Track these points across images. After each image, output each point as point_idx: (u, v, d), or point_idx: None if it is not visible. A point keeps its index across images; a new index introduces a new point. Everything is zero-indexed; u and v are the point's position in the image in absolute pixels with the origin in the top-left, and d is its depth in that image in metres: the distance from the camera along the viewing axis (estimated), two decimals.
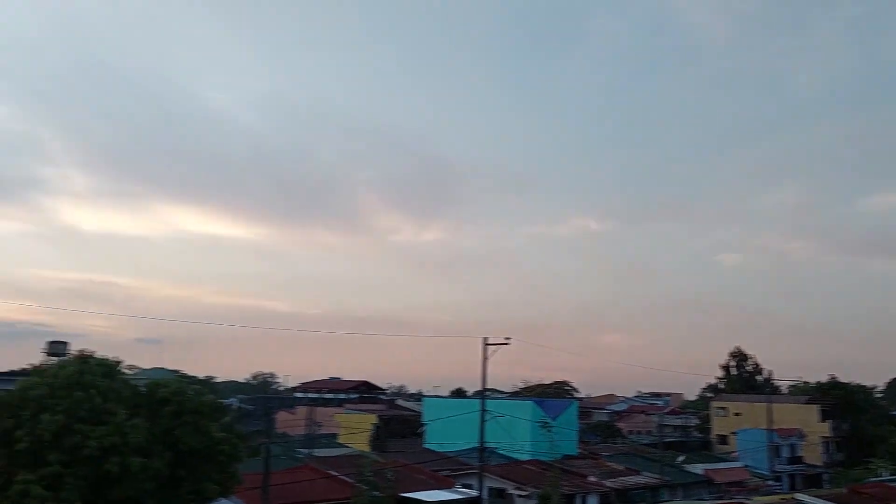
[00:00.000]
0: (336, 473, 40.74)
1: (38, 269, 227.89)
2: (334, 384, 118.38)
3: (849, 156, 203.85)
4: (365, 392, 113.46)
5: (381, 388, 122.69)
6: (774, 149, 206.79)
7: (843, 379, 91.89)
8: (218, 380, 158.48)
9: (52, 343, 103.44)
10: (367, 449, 61.70)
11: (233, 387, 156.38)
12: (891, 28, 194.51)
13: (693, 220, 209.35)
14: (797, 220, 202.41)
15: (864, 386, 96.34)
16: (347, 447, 61.80)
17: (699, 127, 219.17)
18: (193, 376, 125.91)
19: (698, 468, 62.08)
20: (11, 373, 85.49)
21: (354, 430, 66.65)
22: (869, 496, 42.87)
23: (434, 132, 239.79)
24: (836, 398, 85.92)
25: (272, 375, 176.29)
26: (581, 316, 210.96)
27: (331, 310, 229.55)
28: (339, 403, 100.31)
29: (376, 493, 34.77)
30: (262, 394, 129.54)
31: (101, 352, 25.13)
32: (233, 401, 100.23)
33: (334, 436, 69.24)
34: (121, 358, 25.79)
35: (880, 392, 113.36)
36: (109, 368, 24.46)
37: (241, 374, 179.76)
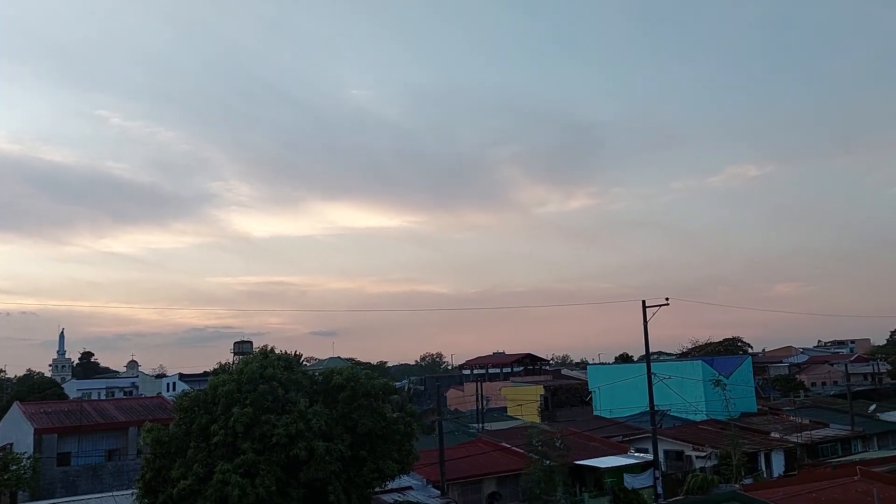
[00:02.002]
0: (508, 445, 41.63)
1: (218, 277, 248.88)
2: (499, 359, 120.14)
3: None
4: (529, 364, 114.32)
5: (544, 360, 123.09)
6: None
7: None
8: (389, 364, 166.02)
9: (238, 343, 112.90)
10: (536, 419, 62.49)
11: (403, 369, 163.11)
12: None
13: (865, 151, 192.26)
14: None
15: None
16: (517, 419, 62.83)
17: (868, 49, 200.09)
18: (367, 363, 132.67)
19: (894, 416, 57.79)
20: (205, 373, 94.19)
21: (522, 401, 67.54)
22: None
23: (573, 97, 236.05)
24: None
25: (439, 355, 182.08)
26: (748, 268, 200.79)
27: (488, 287, 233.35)
28: (505, 377, 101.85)
29: (549, 461, 35.18)
30: (431, 373, 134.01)
31: (281, 347, 27.25)
32: (404, 382, 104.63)
33: (503, 409, 70.49)
34: (299, 351, 27.86)
35: None
36: (289, 362, 26.43)
37: (411, 357, 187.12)
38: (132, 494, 25.13)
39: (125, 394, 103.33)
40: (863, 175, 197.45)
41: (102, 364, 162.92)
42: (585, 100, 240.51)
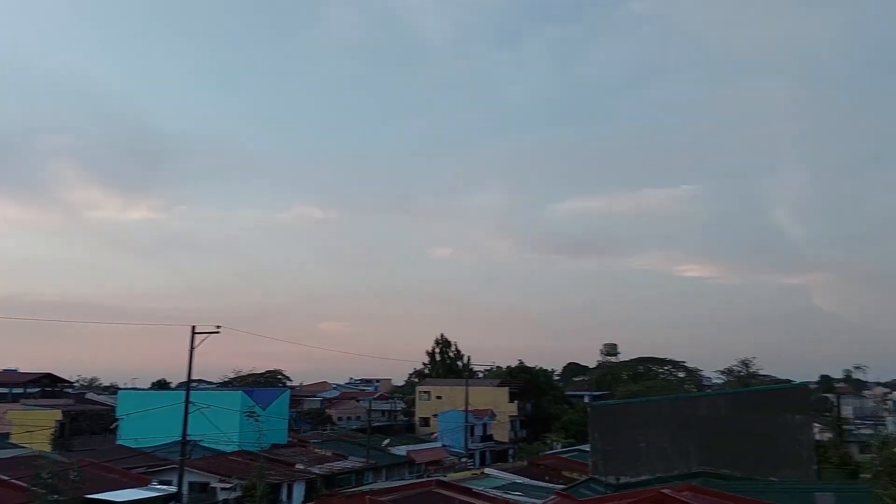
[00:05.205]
0: (7, 477, 35.93)
1: None
2: (9, 377, 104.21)
3: (544, 165, 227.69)
4: (48, 385, 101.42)
5: (67, 381, 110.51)
6: (486, 152, 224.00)
7: (529, 364, 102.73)
8: None
9: None
10: (48, 448, 55.37)
11: None
12: (586, 52, 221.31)
13: (411, 214, 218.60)
14: (501, 220, 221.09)
15: (546, 370, 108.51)
16: (24, 447, 54.83)
17: (425, 126, 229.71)
18: None
19: (402, 450, 65.00)
20: None
21: (33, 427, 59.33)
22: (545, 467, 48.29)
23: (148, 103, 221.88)
24: (522, 381, 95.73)
25: None
26: (299, 304, 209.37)
27: (10, 293, 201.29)
28: (15, 399, 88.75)
29: (56, 496, 31.19)
30: None
31: None
32: None
33: (5, 435, 61.30)
34: None
35: (558, 375, 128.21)
36: None
37: None
38: None
39: None
40: (410, 234, 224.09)
41: None
42: (162, 107, 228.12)
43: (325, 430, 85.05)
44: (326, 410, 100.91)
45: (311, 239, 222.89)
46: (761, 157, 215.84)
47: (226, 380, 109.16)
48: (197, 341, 40.15)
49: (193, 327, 40.25)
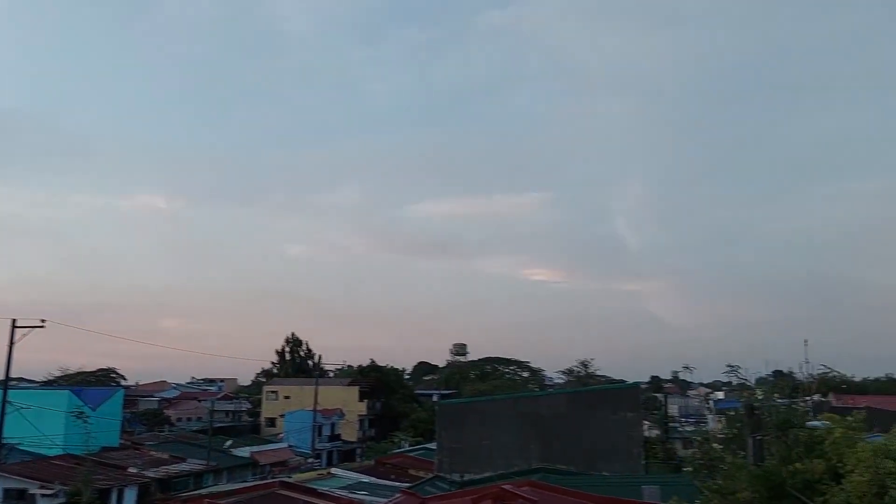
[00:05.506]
0: None
1: None
2: None
3: (401, 166, 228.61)
4: None
5: None
6: (343, 149, 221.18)
7: (380, 363, 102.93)
8: None
9: None
10: None
11: None
12: (445, 56, 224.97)
13: (263, 209, 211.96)
14: (358, 219, 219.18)
15: (397, 369, 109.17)
16: None
17: (281, 117, 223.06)
18: None
19: (245, 451, 63.19)
20: None
21: None
22: (392, 466, 48.51)
23: None
24: (373, 380, 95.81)
25: None
26: (137, 299, 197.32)
27: None
28: None
29: None
30: None
31: None
32: None
33: None
34: None
35: (408, 374, 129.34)
36: None
37: None
38: None
39: None
40: (262, 229, 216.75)
41: None
42: None
43: (163, 431, 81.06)
44: (164, 411, 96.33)
45: (153, 230, 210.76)
46: (606, 168, 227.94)
47: (50, 378, 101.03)
48: (17, 336, 37.20)
49: (14, 321, 37.32)
